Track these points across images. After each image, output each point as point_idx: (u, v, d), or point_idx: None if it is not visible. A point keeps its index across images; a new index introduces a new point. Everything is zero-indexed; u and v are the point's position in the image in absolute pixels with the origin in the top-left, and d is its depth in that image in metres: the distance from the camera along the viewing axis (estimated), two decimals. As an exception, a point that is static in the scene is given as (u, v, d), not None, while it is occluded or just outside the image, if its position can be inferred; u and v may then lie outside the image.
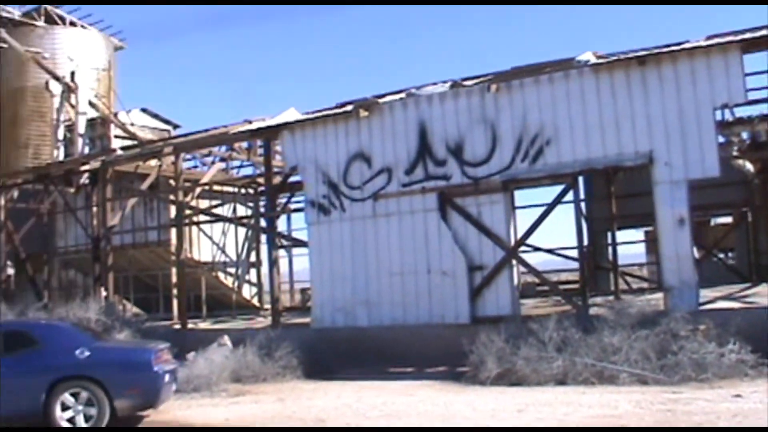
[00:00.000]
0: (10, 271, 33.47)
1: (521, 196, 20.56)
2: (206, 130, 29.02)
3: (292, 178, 24.93)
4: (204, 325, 25.83)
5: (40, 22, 43.81)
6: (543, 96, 18.63)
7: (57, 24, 44.31)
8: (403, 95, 21.54)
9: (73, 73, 38.10)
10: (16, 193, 33.90)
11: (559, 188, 19.25)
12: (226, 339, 20.33)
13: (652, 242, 25.64)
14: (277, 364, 18.29)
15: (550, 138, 18.46)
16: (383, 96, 22.45)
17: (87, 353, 12.99)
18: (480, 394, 14.70)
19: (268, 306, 28.36)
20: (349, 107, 21.70)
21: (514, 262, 19.07)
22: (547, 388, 14.92)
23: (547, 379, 15.30)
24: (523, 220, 20.27)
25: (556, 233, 25.40)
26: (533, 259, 23.30)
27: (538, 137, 18.58)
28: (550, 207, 19.36)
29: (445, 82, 21.87)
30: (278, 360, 18.36)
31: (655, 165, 17.41)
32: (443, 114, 19.74)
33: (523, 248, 20.19)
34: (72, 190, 32.50)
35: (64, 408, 12.62)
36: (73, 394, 12.65)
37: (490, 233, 18.98)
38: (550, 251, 26.13)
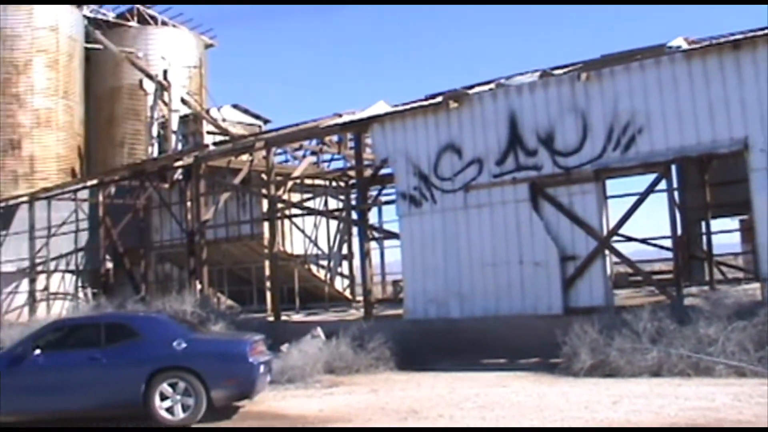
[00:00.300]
0: (109, 265, 34.27)
1: (612, 186, 20.31)
2: (297, 125, 29.29)
3: (383, 171, 25.00)
4: (297, 317, 26.08)
5: (133, 23, 44.79)
6: (634, 83, 18.36)
7: (149, 24, 45.28)
8: (492, 86, 21.46)
9: (165, 72, 38.83)
10: (113, 190, 34.66)
11: (651, 177, 18.97)
12: (320, 331, 20.51)
13: (747, 231, 25.13)
14: (370, 356, 18.40)
15: (642, 126, 18.18)
16: (472, 87, 22.40)
17: (184, 345, 13.25)
18: (573, 386, 14.60)
19: (360, 298, 28.51)
20: (439, 99, 21.68)
21: (606, 252, 18.85)
22: (641, 379, 14.75)
23: (641, 370, 15.12)
24: (615, 209, 20.05)
25: (648, 223, 25.02)
26: (626, 249, 23.04)
27: (629, 125, 18.32)
28: (643, 196, 19.06)
29: (534, 71, 21.72)
30: (371, 351, 18.47)
31: (750, 151, 17.03)
32: (533, 104, 19.59)
33: (615, 238, 19.92)
34: (166, 185, 33.11)
35: (163, 398, 12.90)
36: (171, 385, 12.91)
37: (582, 223, 18.80)
38: (643, 241, 25.80)
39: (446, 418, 12.13)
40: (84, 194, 35.27)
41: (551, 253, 18.99)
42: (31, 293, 34.93)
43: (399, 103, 25.29)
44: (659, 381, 14.39)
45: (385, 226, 30.75)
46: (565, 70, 21.05)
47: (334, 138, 31.63)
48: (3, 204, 35.79)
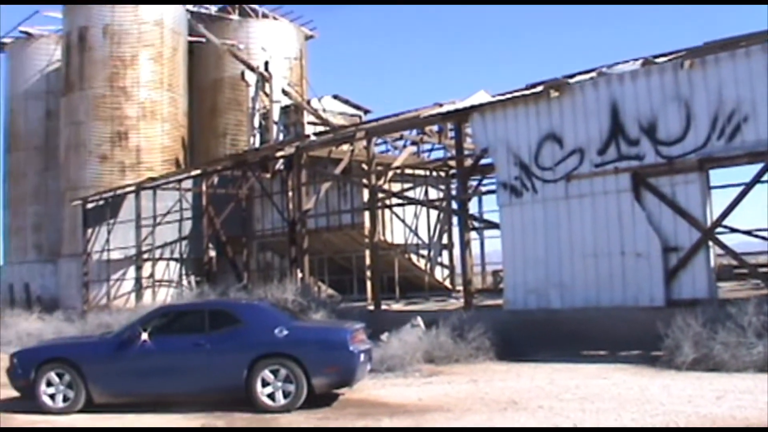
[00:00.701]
0: (212, 253, 34.92)
1: (716, 176, 19.87)
2: (397, 115, 29.38)
3: (484, 160, 24.92)
4: (397, 306, 26.21)
5: (235, 16, 45.54)
6: (739, 71, 17.91)
7: (250, 17, 45.95)
8: (593, 75, 21.22)
9: (266, 63, 39.38)
10: (216, 180, 35.28)
11: (757, 167, 18.52)
12: (419, 320, 20.57)
13: None
14: (470, 346, 18.40)
15: (747, 114, 17.75)
16: (573, 76, 22.19)
17: (286, 332, 13.45)
18: (675, 379, 14.40)
19: (459, 288, 28.53)
20: (540, 88, 21.51)
21: (710, 243, 18.51)
22: (746, 374, 14.46)
23: (746, 365, 14.82)
24: (719, 200, 19.64)
25: (754, 214, 24.40)
26: (730, 240, 22.53)
27: (734, 114, 17.91)
28: (749, 186, 18.62)
29: (636, 60, 21.41)
30: (471, 341, 18.46)
31: None
32: (635, 92, 19.30)
33: (719, 229, 19.53)
34: (268, 175, 33.58)
35: (265, 384, 13.11)
36: (272, 371, 13.11)
37: (685, 214, 18.47)
38: (747, 233, 25.21)
39: (546, 410, 12.09)
40: (188, 184, 36.03)
41: (653, 244, 18.72)
42: (138, 280, 35.86)
43: (499, 93, 25.18)
44: (766, 377, 14.06)
45: (486, 216, 30.72)
46: (668, 57, 20.68)
47: (435, 128, 31.66)
48: (111, 194, 36.77)
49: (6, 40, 49.95)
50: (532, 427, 11.06)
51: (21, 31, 49.04)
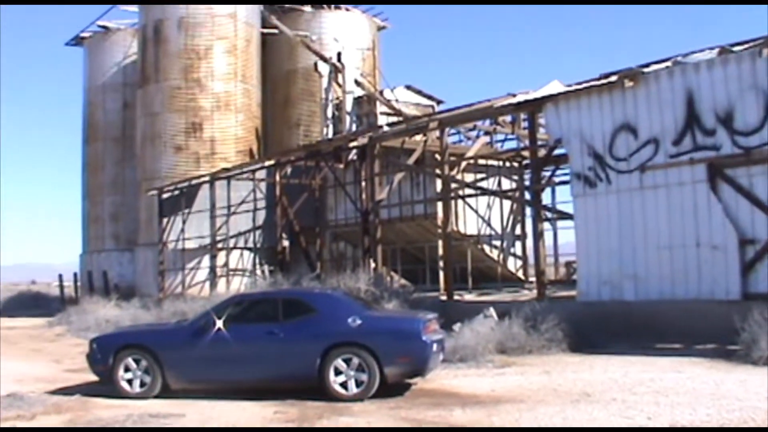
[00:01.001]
0: (286, 243, 35.21)
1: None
2: (470, 105, 29.31)
3: (557, 151, 24.78)
4: (469, 296, 26.20)
5: (307, 7, 45.69)
6: (821, 59, 17.59)
7: (322, 8, 46.07)
8: (668, 64, 20.96)
9: (339, 54, 39.51)
10: (289, 170, 35.58)
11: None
12: (492, 311, 20.53)
13: None
14: (543, 337, 18.31)
15: (829, 104, 17.42)
16: (648, 65, 21.93)
17: (359, 321, 13.52)
18: (752, 374, 14.18)
19: (532, 279, 28.43)
20: (614, 78, 21.31)
21: (789, 236, 18.17)
22: (826, 369, 14.23)
23: (826, 360, 14.58)
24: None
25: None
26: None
27: (815, 103, 17.58)
28: (831, 178, 18.27)
29: (712, 48, 21.10)
30: (543, 332, 18.37)
31: None
32: (711, 82, 18.99)
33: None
34: (341, 165, 33.74)
35: (337, 373, 13.19)
36: (345, 360, 13.20)
37: (763, 206, 18.15)
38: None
39: (619, 402, 12.01)
40: (261, 174, 36.43)
41: (730, 237, 18.43)
42: (212, 269, 36.35)
43: (573, 83, 25.00)
44: None
45: (559, 207, 30.55)
46: (745, 46, 20.33)
47: (508, 118, 31.56)
48: (186, 184, 37.27)
49: (84, 34, 50.96)
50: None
51: (99, 26, 50.03)
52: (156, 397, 14.01)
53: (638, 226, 20.02)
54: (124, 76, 48.93)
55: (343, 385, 13.17)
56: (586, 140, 21.09)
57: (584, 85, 23.03)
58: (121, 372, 14.27)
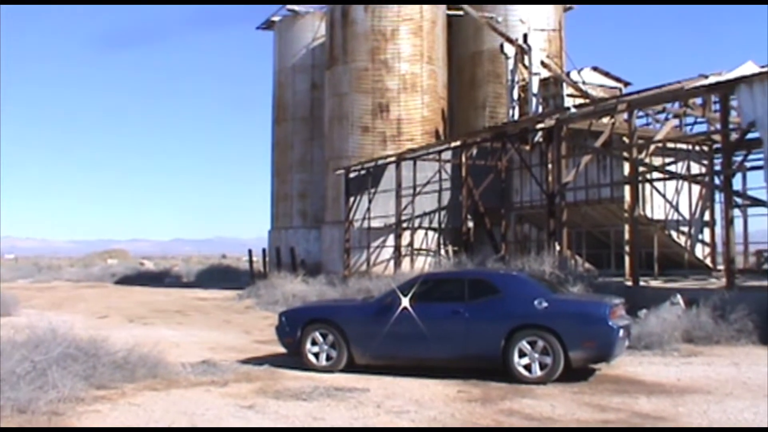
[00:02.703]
0: (470, 224, 35.36)
1: None
2: (659, 87, 28.69)
3: (750, 135, 24.02)
4: (655, 283, 25.72)
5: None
6: None
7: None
8: None
9: (525, 36, 39.34)
10: (474, 151, 35.69)
11: None
12: (679, 298, 20.13)
13: None
14: (732, 327, 17.84)
15: None
16: None
17: (545, 304, 13.53)
18: None
19: (720, 267, 27.69)
20: (814, 60, 20.47)
21: None
22: None
23: None
24: None
25: None
26: None
27: None
28: None
29: None
30: (732, 323, 17.89)
31: None
32: None
33: None
34: (527, 147, 33.63)
35: (521, 355, 13.28)
36: (530, 342, 13.26)
37: None
38: None
39: (813, 397, 11.65)
40: (447, 155, 36.69)
41: None
42: (397, 248, 36.82)
43: (769, 64, 24.14)
44: None
45: (750, 193, 29.58)
46: None
47: (698, 101, 30.74)
48: (372, 164, 37.89)
49: (275, 18, 52.34)
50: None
51: (288, 10, 51.24)
52: (341, 371, 14.45)
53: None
54: (313, 58, 50.10)
55: (527, 367, 13.24)
56: (781, 124, 20.34)
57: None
58: (308, 345, 14.81)
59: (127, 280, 57.21)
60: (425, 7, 41.73)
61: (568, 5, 48.99)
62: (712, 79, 24.60)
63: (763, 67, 23.86)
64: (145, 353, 14.00)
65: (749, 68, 24.56)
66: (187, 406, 11.41)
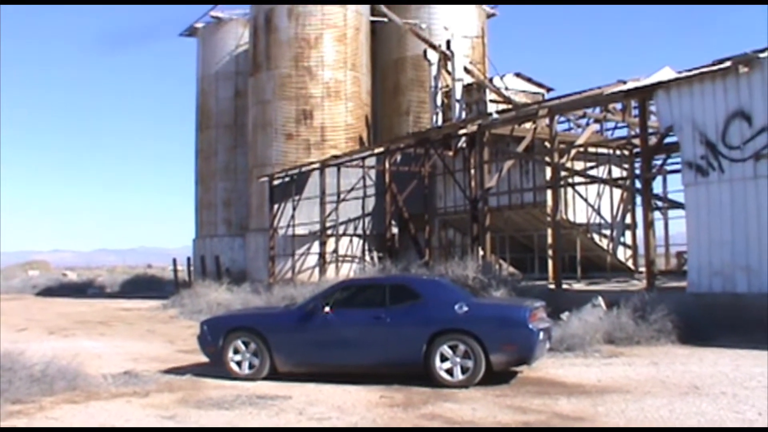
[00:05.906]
0: (395, 230, 35.40)
1: None
2: (580, 92, 29.03)
3: (668, 139, 24.37)
4: (578, 286, 26.01)
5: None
6: None
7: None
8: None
9: (448, 42, 39.56)
10: (399, 157, 35.75)
11: None
12: (600, 300, 20.37)
13: None
14: (651, 328, 18.05)
15: None
16: (764, 51, 21.38)
17: (465, 308, 13.54)
18: None
19: (642, 269, 28.07)
20: (727, 64, 20.84)
21: None
22: None
23: None
24: None
25: None
26: None
27: None
28: None
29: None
30: (652, 323, 18.11)
31: None
32: (832, 68, 18.49)
33: None
34: (450, 153, 33.79)
35: (443, 359, 13.26)
36: (451, 347, 13.25)
37: None
38: None
39: (729, 397, 11.81)
40: (371, 161, 36.72)
41: None
42: (321, 255, 36.78)
43: (685, 69, 24.52)
44: None
45: (670, 196, 30.07)
46: None
47: (618, 105, 31.17)
48: (296, 171, 37.80)
49: (198, 25, 52.05)
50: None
51: (211, 17, 51.01)
52: (264, 379, 14.33)
53: (752, 216, 19.58)
54: (236, 65, 49.90)
55: (449, 371, 13.24)
56: (698, 128, 20.71)
57: (696, 71, 22.56)
58: (230, 354, 14.65)
59: (48, 292, 56.32)
60: (349, 14, 41.75)
61: (491, 12, 49.39)
62: (630, 85, 24.90)
63: (679, 72, 24.21)
64: (64, 366, 13.70)
65: (666, 74, 24.91)
66: (107, 418, 11.21)
